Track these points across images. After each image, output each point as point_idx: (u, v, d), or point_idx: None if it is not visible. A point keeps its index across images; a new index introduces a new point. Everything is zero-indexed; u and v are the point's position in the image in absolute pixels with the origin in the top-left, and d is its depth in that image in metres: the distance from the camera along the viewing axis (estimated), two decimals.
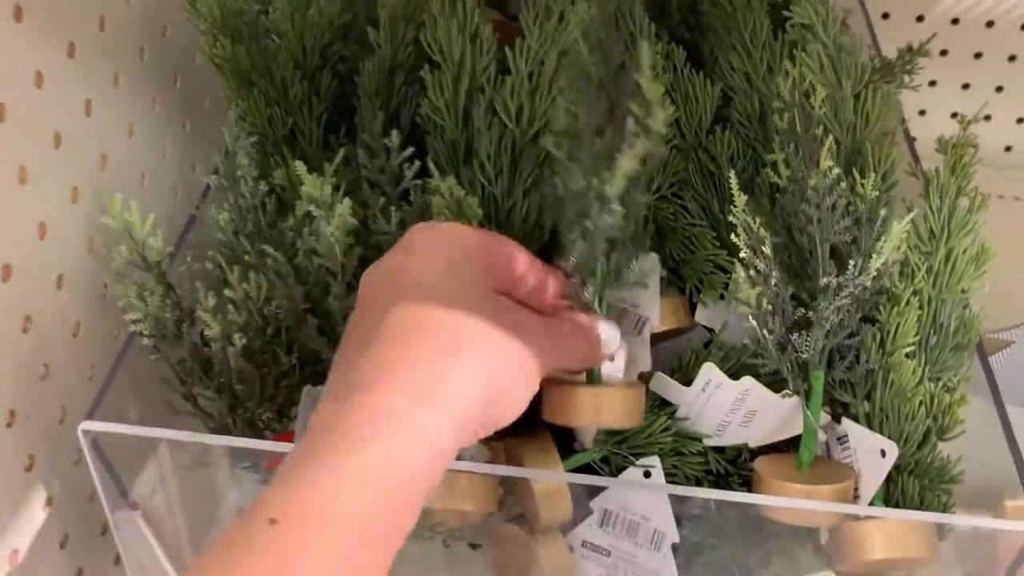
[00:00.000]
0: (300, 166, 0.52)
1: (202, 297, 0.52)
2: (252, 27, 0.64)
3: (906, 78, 0.63)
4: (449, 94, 0.58)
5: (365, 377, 0.36)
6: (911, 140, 0.71)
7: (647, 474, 0.54)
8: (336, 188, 0.59)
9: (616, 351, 0.50)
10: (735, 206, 0.52)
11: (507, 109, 0.57)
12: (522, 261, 0.45)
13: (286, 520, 0.31)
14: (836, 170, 0.52)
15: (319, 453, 0.33)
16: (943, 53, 0.98)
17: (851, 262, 0.51)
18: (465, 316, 0.38)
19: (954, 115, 1.01)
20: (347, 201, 0.52)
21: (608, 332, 0.48)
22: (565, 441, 0.56)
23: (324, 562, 0.31)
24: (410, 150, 0.57)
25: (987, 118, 0.89)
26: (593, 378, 0.51)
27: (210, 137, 0.76)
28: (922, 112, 1.00)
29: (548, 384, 0.49)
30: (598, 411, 0.50)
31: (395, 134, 0.57)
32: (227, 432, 0.56)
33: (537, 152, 0.57)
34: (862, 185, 0.53)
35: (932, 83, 0.99)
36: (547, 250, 0.59)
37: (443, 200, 0.54)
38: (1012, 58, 0.98)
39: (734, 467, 0.58)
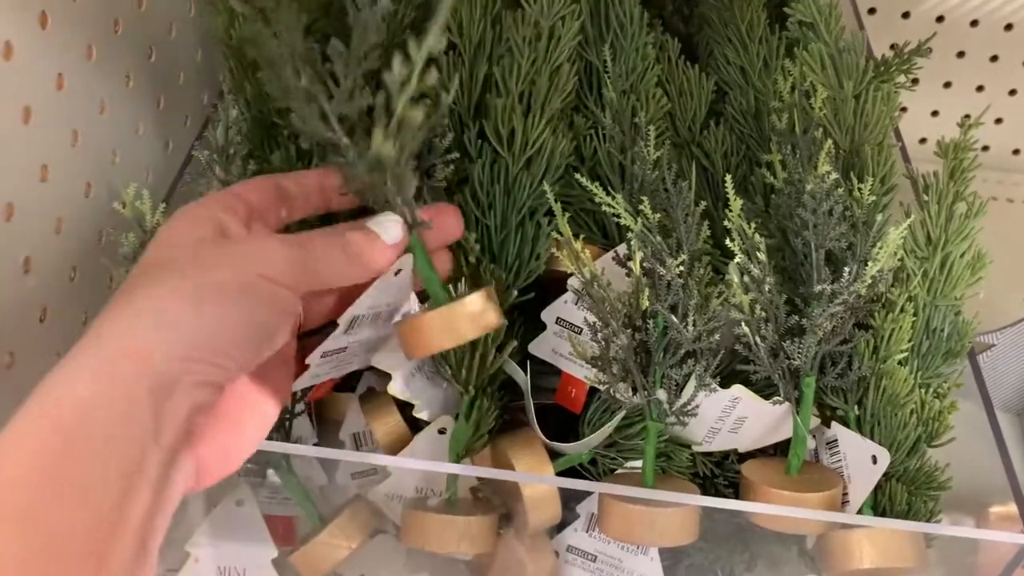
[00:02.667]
0: None
1: None
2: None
3: (902, 77, 0.62)
4: (464, 75, 0.56)
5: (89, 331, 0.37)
6: (902, 139, 0.70)
7: None
8: None
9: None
10: (730, 209, 0.51)
11: (498, 134, 0.55)
12: (246, 188, 0.45)
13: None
14: (834, 175, 0.51)
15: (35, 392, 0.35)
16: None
17: (846, 269, 0.51)
18: (185, 266, 0.39)
19: (935, 113, 1.01)
20: None
21: (383, 224, 0.45)
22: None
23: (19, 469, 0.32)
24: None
25: (966, 117, 0.90)
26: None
27: (185, 114, 0.73)
28: (903, 109, 1.00)
29: (604, 499, 0.50)
30: (656, 531, 0.49)
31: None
32: None
33: (531, 179, 0.55)
34: (859, 190, 0.53)
35: (915, 80, 0.99)
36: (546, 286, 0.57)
37: None
38: (994, 58, 0.98)
39: (720, 469, 0.57)
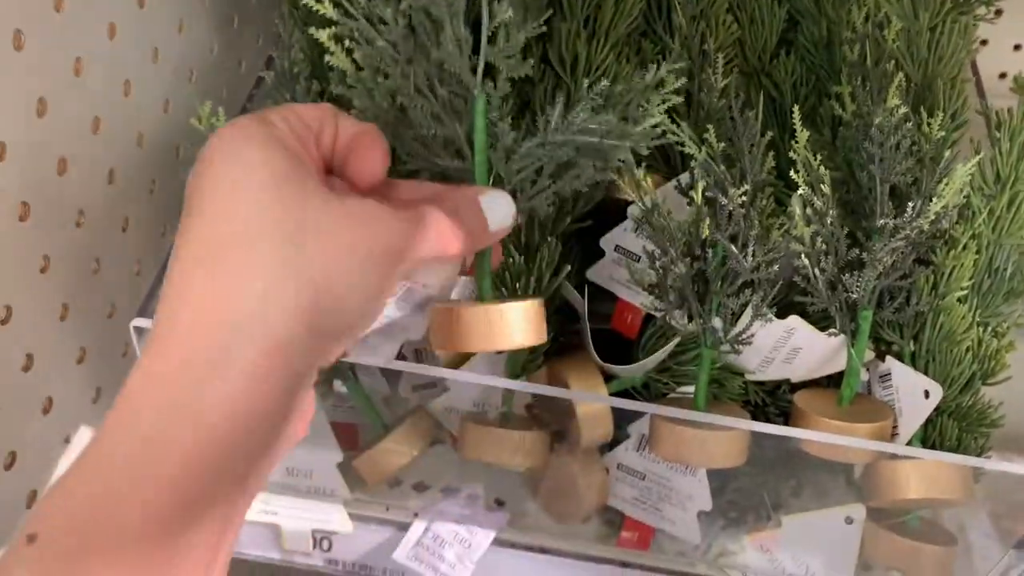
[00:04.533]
0: None
1: None
2: None
3: (982, 9, 0.61)
4: None
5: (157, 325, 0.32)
6: (978, 74, 0.69)
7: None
8: None
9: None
10: (796, 141, 0.51)
11: (561, 59, 0.54)
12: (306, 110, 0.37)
13: (45, 536, 0.28)
14: (903, 109, 0.51)
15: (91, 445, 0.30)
16: None
17: (910, 204, 0.51)
18: (268, 217, 0.32)
19: (1017, 47, 0.97)
20: None
21: (494, 203, 0.40)
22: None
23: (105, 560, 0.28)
24: None
25: None
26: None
27: (258, 33, 0.75)
28: (984, 42, 0.96)
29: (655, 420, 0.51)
30: (706, 453, 0.51)
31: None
32: None
33: (592, 104, 0.55)
34: (928, 125, 0.52)
35: (998, 12, 0.95)
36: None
37: None
38: None
39: (772, 398, 0.58)
